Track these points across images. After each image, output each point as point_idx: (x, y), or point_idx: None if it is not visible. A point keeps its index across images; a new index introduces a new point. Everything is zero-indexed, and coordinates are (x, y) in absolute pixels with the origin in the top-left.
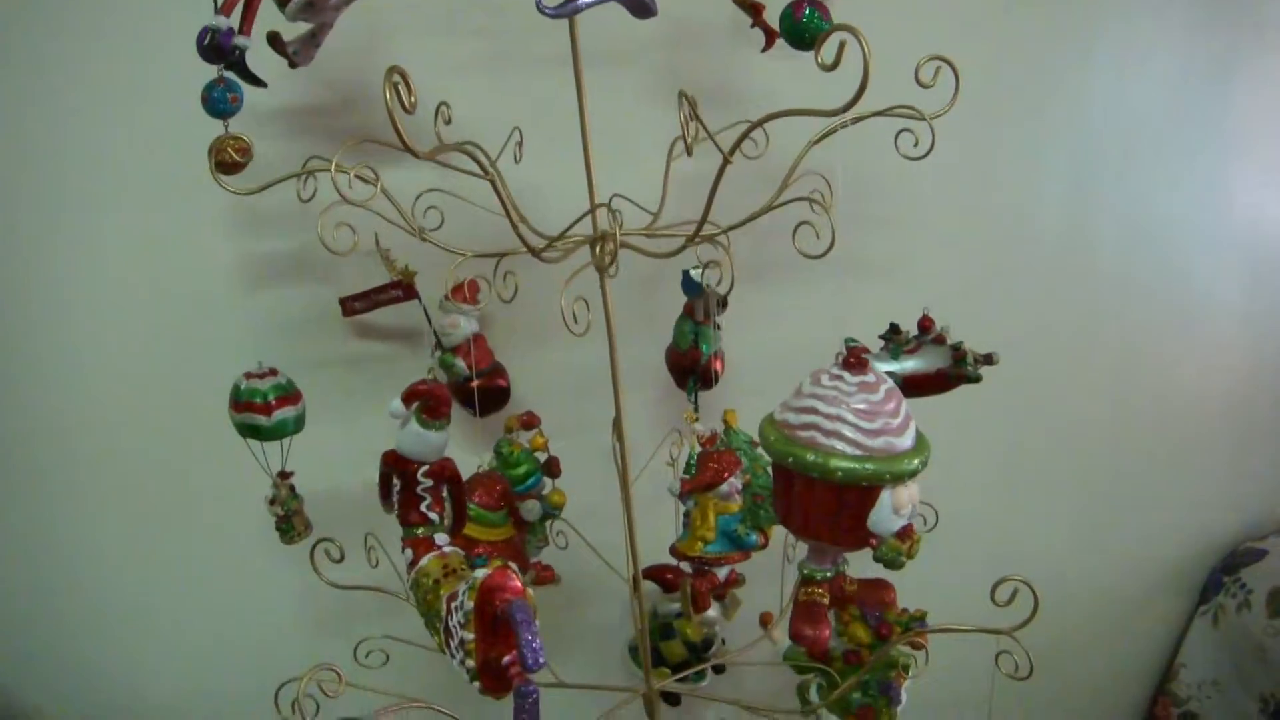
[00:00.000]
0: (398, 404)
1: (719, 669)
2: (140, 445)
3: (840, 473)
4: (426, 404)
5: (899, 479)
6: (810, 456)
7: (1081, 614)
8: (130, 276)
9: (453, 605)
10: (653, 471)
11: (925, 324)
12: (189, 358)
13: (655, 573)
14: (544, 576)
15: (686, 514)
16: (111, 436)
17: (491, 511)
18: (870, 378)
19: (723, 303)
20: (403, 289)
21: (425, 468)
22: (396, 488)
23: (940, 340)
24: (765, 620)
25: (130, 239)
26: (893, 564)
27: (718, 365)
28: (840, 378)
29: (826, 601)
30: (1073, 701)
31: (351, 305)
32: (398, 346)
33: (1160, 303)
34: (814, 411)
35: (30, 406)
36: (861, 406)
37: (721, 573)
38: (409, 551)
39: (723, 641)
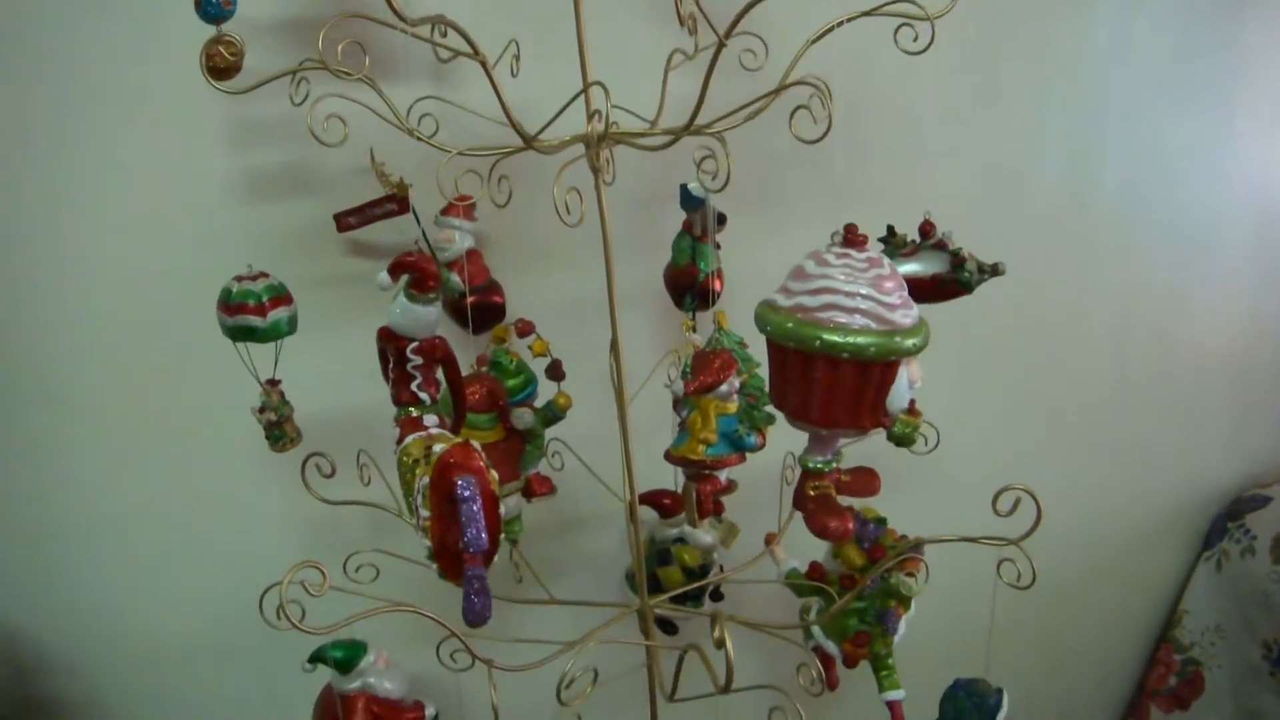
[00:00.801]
0: (384, 276)
1: (716, 595)
2: (130, 359)
3: (873, 349)
4: (414, 277)
5: (919, 351)
6: (838, 337)
7: (1083, 560)
8: (123, 192)
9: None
10: (651, 395)
11: (926, 229)
12: (181, 272)
13: (653, 498)
14: (541, 489)
15: (682, 420)
16: (100, 351)
17: (477, 414)
18: (874, 254)
19: (721, 219)
20: (397, 203)
21: (415, 344)
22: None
23: (941, 246)
24: (770, 540)
25: (123, 153)
26: (907, 440)
27: (716, 284)
28: (848, 255)
29: (834, 493)
30: (1075, 648)
31: (346, 220)
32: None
33: (1165, 242)
34: (831, 291)
35: (20, 318)
36: (877, 281)
37: (721, 477)
38: (397, 431)
39: (720, 568)
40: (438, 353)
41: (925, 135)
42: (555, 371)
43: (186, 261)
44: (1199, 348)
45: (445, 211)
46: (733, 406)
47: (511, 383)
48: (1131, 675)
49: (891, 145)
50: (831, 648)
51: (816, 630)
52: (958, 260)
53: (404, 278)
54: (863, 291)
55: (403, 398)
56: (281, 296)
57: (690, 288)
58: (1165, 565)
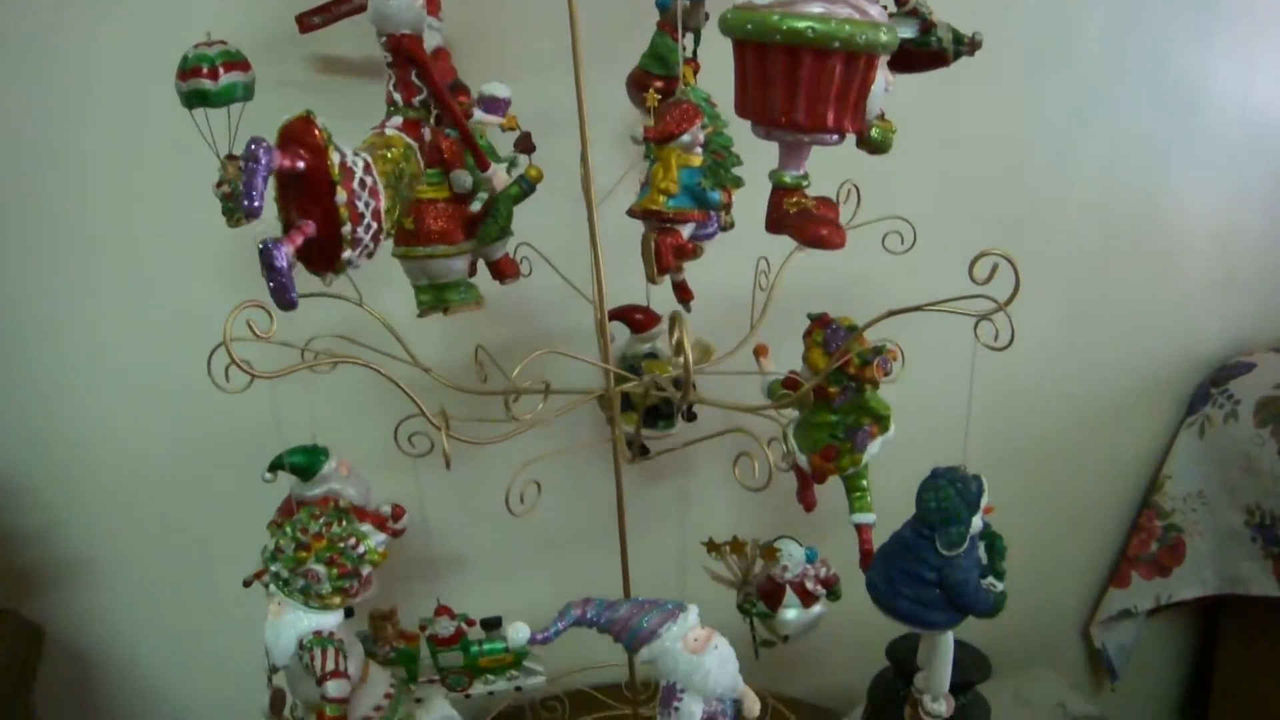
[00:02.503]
0: None
1: (689, 415)
2: (96, 173)
3: (862, 37)
4: None
5: (893, 48)
6: (829, 25)
7: (1066, 426)
8: None
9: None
10: (620, 209)
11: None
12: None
13: (624, 313)
14: (510, 271)
15: (644, 174)
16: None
17: (431, 168)
18: None
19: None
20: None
21: (384, 38)
22: None
23: (914, 13)
24: (760, 352)
25: None
26: (883, 146)
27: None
28: None
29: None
30: (1057, 515)
31: (309, 21)
32: (359, 77)
33: (1150, 99)
34: None
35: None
36: None
37: (685, 233)
38: None
39: (694, 386)
40: (404, 48)
41: None
42: (524, 144)
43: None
44: (1183, 211)
45: None
46: (696, 159)
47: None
48: (1114, 542)
49: None
50: (803, 461)
51: (793, 445)
52: (925, 26)
53: None
54: None
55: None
56: (237, 62)
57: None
58: (1148, 432)
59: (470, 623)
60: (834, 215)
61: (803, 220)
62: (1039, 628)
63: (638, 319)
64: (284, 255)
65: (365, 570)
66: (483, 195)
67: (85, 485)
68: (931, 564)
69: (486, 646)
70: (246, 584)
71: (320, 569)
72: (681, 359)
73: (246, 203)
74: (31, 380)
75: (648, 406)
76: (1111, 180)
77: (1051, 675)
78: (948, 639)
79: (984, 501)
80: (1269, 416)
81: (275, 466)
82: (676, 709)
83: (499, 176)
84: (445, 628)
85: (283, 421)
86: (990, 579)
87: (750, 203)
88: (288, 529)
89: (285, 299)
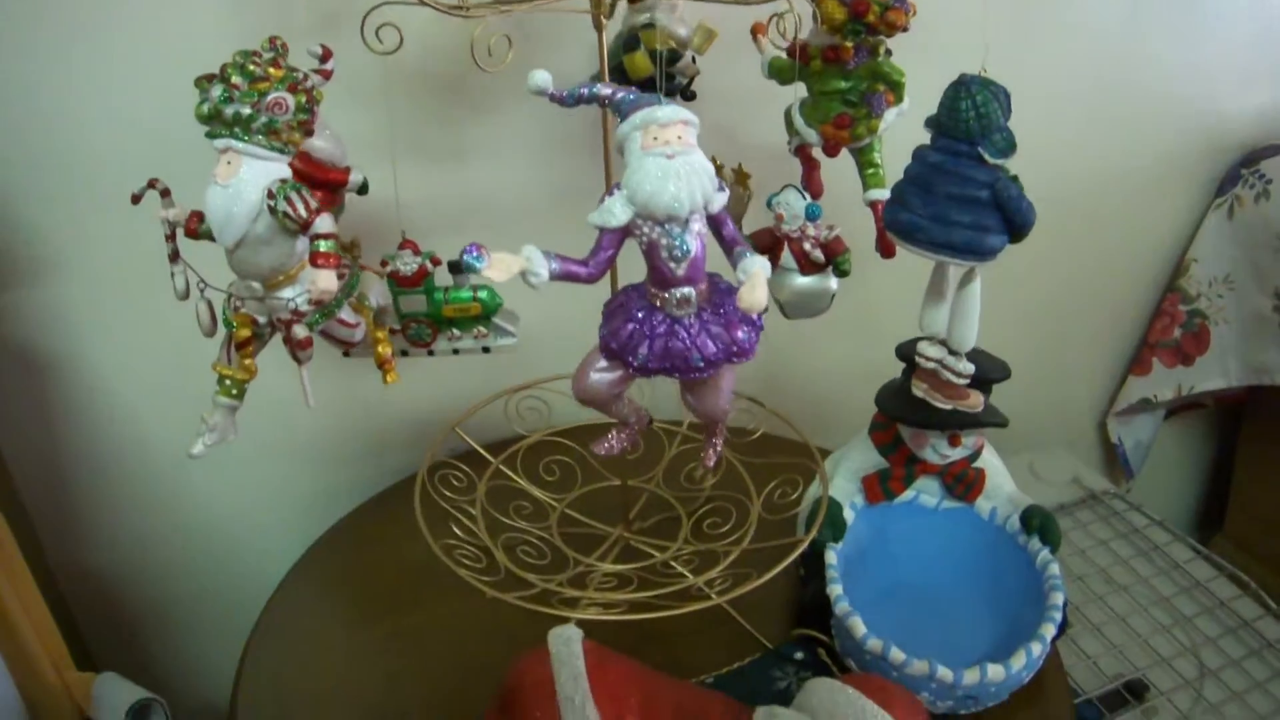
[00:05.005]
0: None
1: (689, 94)
2: None
3: None
4: None
5: None
6: None
7: (1093, 204)
8: None
9: None
10: None
11: None
12: None
13: None
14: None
15: None
16: None
17: None
18: None
19: None
20: None
21: None
22: None
23: None
24: (757, 30)
25: None
26: None
27: None
28: None
29: None
30: (1081, 297)
31: None
32: None
33: None
34: None
35: None
36: None
37: None
38: None
39: (693, 59)
40: None
41: None
42: None
43: None
44: None
45: None
46: None
47: None
48: (1136, 329)
49: None
50: (813, 136)
51: (799, 123)
52: None
53: None
54: None
55: None
56: None
57: None
58: (1175, 214)
59: (436, 261)
60: None
61: None
62: (1056, 419)
63: None
64: None
65: (316, 107)
66: None
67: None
68: (982, 181)
69: (452, 294)
70: (135, 199)
71: (286, 96)
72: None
73: None
74: None
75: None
76: None
77: (1066, 454)
78: (977, 286)
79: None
80: None
81: None
82: (601, 200)
83: None
84: (408, 264)
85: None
86: None
87: None
88: (237, 62)
89: None
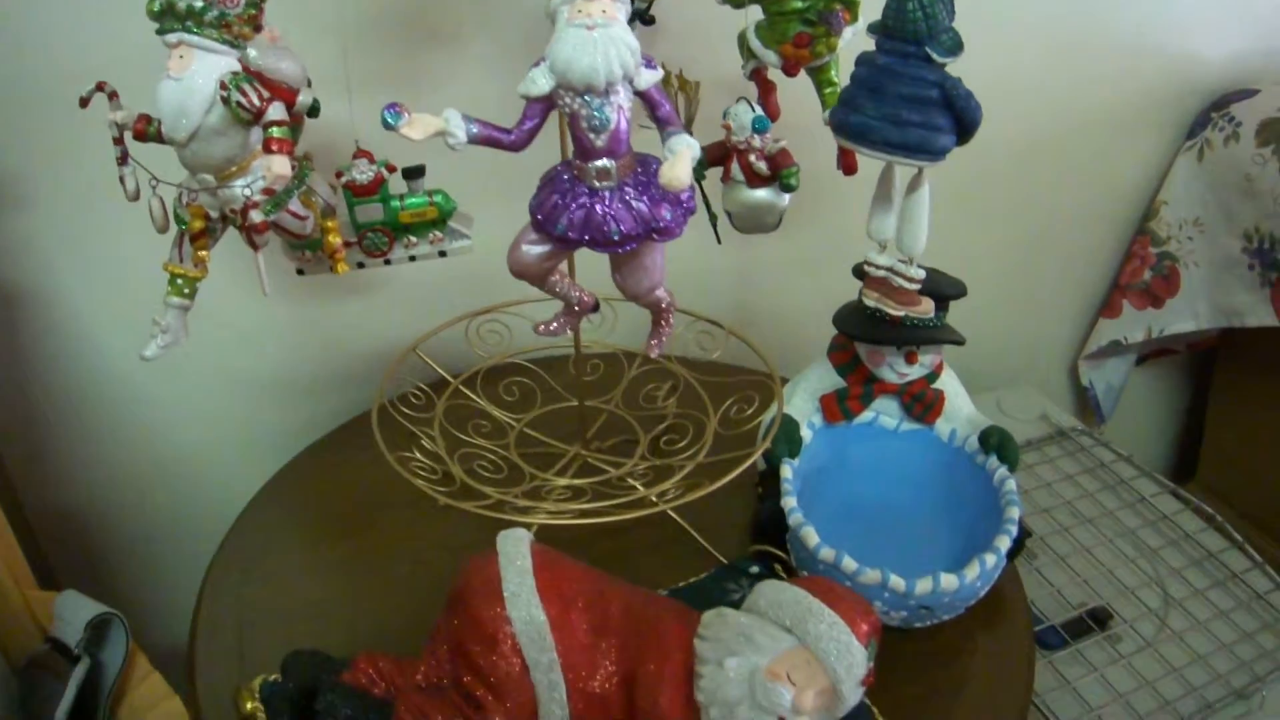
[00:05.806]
0: None
1: (648, 20)
2: None
3: None
4: None
5: None
6: None
7: (1062, 146)
8: None
9: None
10: None
11: None
12: None
13: None
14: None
15: None
16: None
17: None
18: None
19: None
20: None
21: None
22: None
23: None
24: None
25: None
26: None
27: None
28: None
29: None
30: (1050, 239)
31: None
32: None
33: None
34: None
35: None
36: None
37: None
38: None
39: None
40: None
41: None
42: None
43: None
44: None
45: None
46: None
47: None
48: (1107, 270)
49: None
50: (771, 57)
51: (755, 43)
52: None
53: None
54: None
55: None
56: None
57: None
58: (1145, 157)
59: (391, 168)
60: None
61: None
62: (1026, 361)
63: None
64: None
65: (264, 2)
66: None
67: None
68: (932, 80)
69: (408, 200)
70: (84, 102)
71: None
72: None
73: None
74: None
75: None
76: None
77: (1034, 391)
78: (925, 191)
79: None
80: (1272, 136)
81: None
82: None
83: None
84: (364, 172)
85: None
86: None
87: None
88: None
89: None
